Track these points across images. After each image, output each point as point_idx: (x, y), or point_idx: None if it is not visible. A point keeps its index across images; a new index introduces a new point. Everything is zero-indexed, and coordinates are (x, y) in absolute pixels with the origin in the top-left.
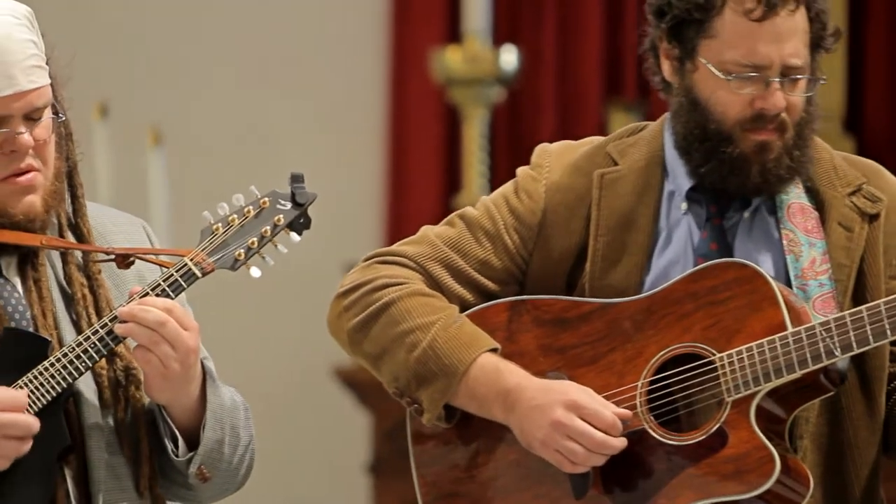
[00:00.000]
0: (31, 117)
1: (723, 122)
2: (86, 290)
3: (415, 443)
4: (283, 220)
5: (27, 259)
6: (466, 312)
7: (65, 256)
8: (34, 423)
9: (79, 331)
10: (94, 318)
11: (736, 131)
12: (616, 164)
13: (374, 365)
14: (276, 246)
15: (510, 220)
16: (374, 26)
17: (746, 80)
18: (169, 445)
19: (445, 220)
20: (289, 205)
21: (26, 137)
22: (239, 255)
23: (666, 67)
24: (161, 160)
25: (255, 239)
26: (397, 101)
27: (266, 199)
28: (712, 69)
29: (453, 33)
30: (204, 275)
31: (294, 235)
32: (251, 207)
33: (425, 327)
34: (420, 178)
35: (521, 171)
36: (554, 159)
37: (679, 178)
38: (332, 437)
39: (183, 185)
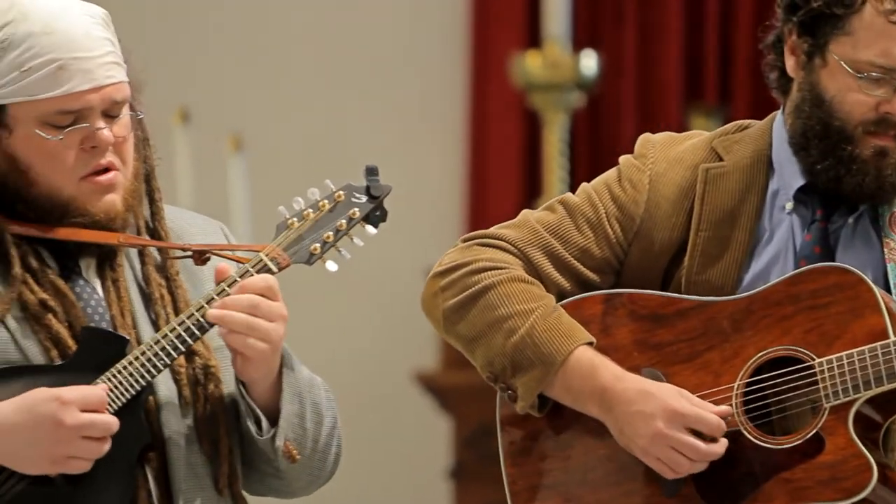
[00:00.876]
0: (110, 114)
1: (846, 121)
2: (164, 291)
3: (504, 432)
4: (358, 214)
5: (106, 260)
6: (562, 302)
7: (143, 257)
8: (114, 423)
9: (157, 331)
10: (172, 317)
11: (857, 132)
12: (721, 159)
13: (467, 347)
14: (352, 239)
15: (612, 210)
16: (455, 31)
17: (877, 81)
18: (252, 427)
19: (546, 204)
20: (364, 198)
21: (106, 133)
22: (314, 248)
23: (791, 62)
24: (241, 166)
25: (330, 233)
26: (477, 106)
27: (341, 192)
28: (844, 66)
29: (533, 38)
30: (280, 269)
31: (370, 228)
32: (326, 201)
33: (524, 314)
34: (500, 183)
35: (624, 159)
36: (658, 150)
37: (788, 177)
38: (413, 442)
39: (263, 191)
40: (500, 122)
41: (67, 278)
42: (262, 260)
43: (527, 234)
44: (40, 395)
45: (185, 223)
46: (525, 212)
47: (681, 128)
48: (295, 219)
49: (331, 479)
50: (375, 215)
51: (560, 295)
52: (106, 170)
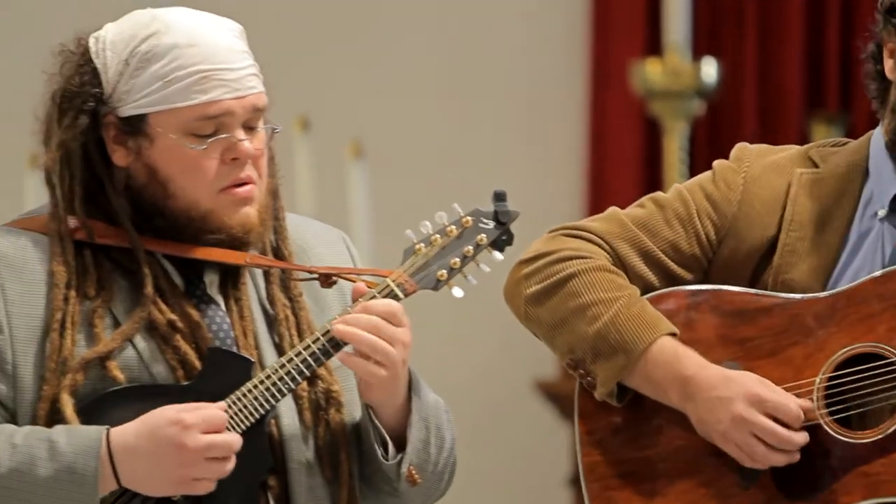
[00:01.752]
0: (249, 125)
1: None
2: (288, 311)
3: (581, 421)
4: (485, 240)
5: (229, 278)
6: (647, 296)
7: (267, 277)
8: (236, 441)
9: (280, 352)
10: (295, 339)
11: None
12: (817, 166)
13: (548, 334)
14: (478, 265)
15: (704, 206)
16: (575, 39)
17: None
18: (379, 450)
19: (637, 202)
20: (491, 223)
21: (247, 145)
22: (441, 275)
23: (889, 65)
24: (362, 173)
25: (457, 259)
26: (597, 113)
27: (468, 217)
28: None
29: (653, 46)
30: (406, 295)
31: (497, 254)
32: (454, 227)
33: (608, 302)
34: (620, 191)
35: (718, 162)
36: (754, 156)
37: (885, 183)
38: (533, 451)
39: (383, 198)
40: (620, 130)
41: (192, 295)
42: (388, 286)
43: (615, 227)
44: (162, 419)
45: (309, 236)
46: (613, 208)
47: (802, 136)
48: (422, 244)
49: (443, 496)
50: (502, 240)
51: (645, 288)
52: (244, 183)
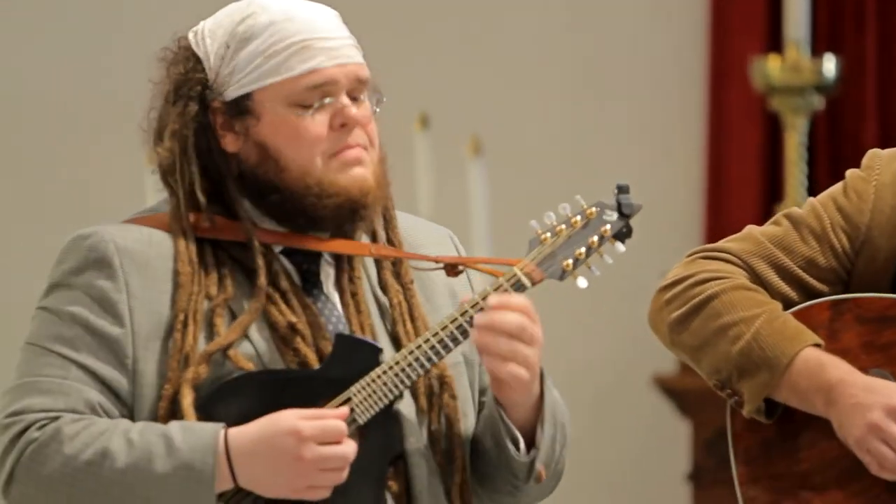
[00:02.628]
0: (353, 95)
1: None
2: (401, 297)
3: (735, 439)
4: (609, 231)
5: (344, 273)
6: (789, 311)
7: (379, 265)
8: (351, 453)
9: (395, 341)
10: (408, 325)
11: None
12: None
13: (693, 357)
14: (601, 256)
15: (837, 220)
16: (695, 36)
17: None
18: (510, 447)
19: (771, 219)
20: (615, 215)
21: (354, 110)
22: (567, 265)
23: None
24: (481, 171)
25: (582, 249)
26: (717, 109)
27: (592, 209)
28: None
29: (774, 42)
30: (533, 284)
31: (619, 245)
32: (578, 217)
33: (749, 320)
34: (740, 188)
35: (850, 172)
36: (885, 163)
37: None
38: (652, 446)
39: (502, 196)
40: (740, 126)
41: (308, 291)
42: (516, 274)
43: (751, 246)
44: (280, 428)
45: (418, 233)
46: (749, 227)
47: None
48: (548, 234)
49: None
50: (624, 232)
51: (786, 305)
52: (354, 146)
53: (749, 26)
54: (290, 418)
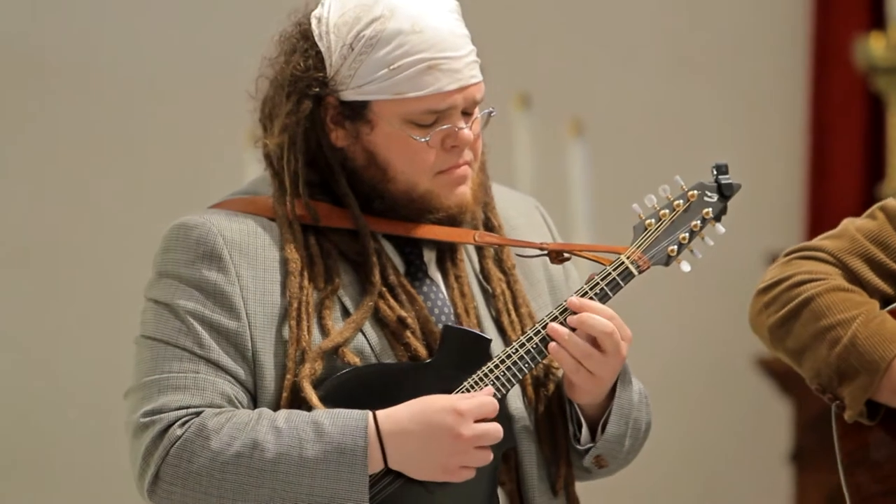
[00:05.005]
0: (467, 112)
1: None
2: (504, 286)
3: (841, 442)
4: (711, 213)
5: (446, 255)
6: (888, 308)
7: (480, 253)
8: (500, 431)
9: (499, 327)
10: (513, 314)
11: None
12: None
13: (795, 361)
14: (703, 239)
15: None
16: (797, 14)
17: None
18: (572, 428)
19: (867, 212)
20: (715, 196)
21: (467, 132)
22: (671, 250)
23: None
24: (582, 151)
25: (685, 234)
26: (819, 88)
27: (693, 191)
28: None
29: (877, 20)
30: (640, 273)
31: (719, 227)
32: (680, 201)
33: (846, 323)
34: (842, 167)
35: None
36: None
37: None
38: (753, 427)
39: (603, 176)
40: (842, 105)
41: (414, 277)
42: (623, 263)
43: (846, 244)
44: (436, 405)
45: (508, 207)
46: (846, 221)
47: None
48: (652, 219)
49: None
50: (721, 212)
51: (884, 301)
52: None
53: (852, 5)
54: (444, 397)
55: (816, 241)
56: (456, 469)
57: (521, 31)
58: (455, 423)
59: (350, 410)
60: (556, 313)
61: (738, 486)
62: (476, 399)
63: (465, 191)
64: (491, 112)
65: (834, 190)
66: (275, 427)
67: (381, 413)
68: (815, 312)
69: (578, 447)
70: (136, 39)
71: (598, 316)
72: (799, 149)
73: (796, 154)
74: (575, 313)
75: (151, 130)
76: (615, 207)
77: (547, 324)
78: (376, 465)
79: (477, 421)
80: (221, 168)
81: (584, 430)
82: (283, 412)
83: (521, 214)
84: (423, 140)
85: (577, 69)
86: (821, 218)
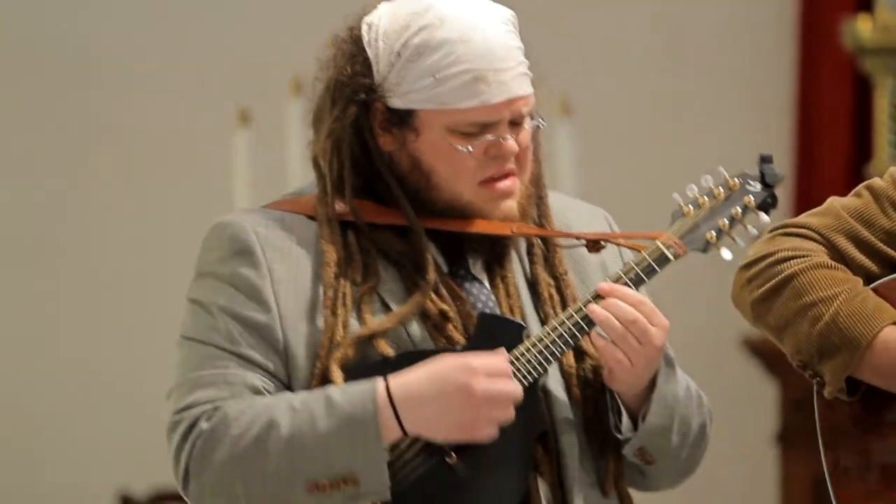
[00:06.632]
0: (515, 122)
1: None
2: (552, 290)
3: (822, 417)
4: (753, 202)
5: (494, 258)
6: (871, 285)
7: (531, 256)
8: (518, 391)
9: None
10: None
11: None
12: None
13: (777, 336)
14: (745, 227)
15: None
16: None
17: None
18: (612, 418)
19: (853, 191)
20: (758, 185)
21: (511, 143)
22: (710, 237)
23: None
24: (570, 132)
25: (725, 220)
26: (807, 70)
27: (735, 179)
28: None
29: (864, 2)
30: (676, 258)
31: (763, 216)
32: (721, 189)
33: (828, 300)
34: (830, 148)
35: None
36: None
37: None
38: (739, 407)
39: (591, 157)
40: (830, 87)
41: (456, 275)
42: (658, 248)
43: (831, 221)
44: (447, 364)
45: (571, 214)
46: (831, 199)
47: None
48: (690, 206)
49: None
50: (767, 202)
51: (868, 278)
52: (505, 175)
53: None
54: (455, 357)
55: (801, 218)
56: (472, 425)
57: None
58: (466, 377)
59: (360, 381)
60: (590, 297)
61: (724, 465)
62: (487, 357)
63: (512, 205)
64: (539, 124)
65: (821, 171)
66: (291, 406)
67: (394, 379)
68: (797, 289)
69: (619, 436)
70: (129, 23)
71: (623, 303)
72: (787, 130)
73: (784, 135)
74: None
75: (141, 115)
76: (603, 189)
77: (580, 307)
78: (393, 433)
79: (492, 378)
80: (211, 152)
81: (625, 418)
82: (302, 393)
83: (585, 224)
84: (466, 150)
85: (566, 50)
86: (808, 199)
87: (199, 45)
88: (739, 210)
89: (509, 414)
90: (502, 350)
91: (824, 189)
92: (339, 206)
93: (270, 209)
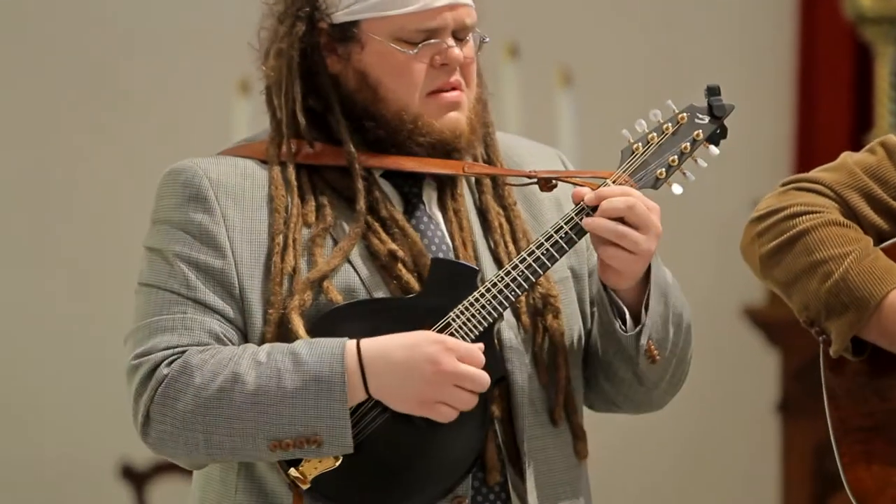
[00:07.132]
0: (458, 37)
1: None
2: (502, 219)
3: (828, 376)
4: (702, 135)
5: (446, 192)
6: (882, 245)
7: (480, 186)
8: (486, 381)
9: (496, 259)
10: (510, 246)
11: None
12: None
13: (784, 292)
14: (695, 161)
15: None
16: None
17: None
18: (616, 322)
19: (867, 147)
20: (707, 118)
21: (456, 51)
22: (660, 173)
23: None
24: (570, 101)
25: (675, 156)
26: (807, 39)
27: (684, 114)
28: None
29: None
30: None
31: (713, 149)
32: (669, 124)
33: (839, 258)
34: (830, 117)
35: None
36: None
37: None
38: (741, 376)
39: (591, 127)
40: (830, 56)
41: (412, 215)
42: (608, 186)
43: (844, 177)
44: (424, 336)
45: (524, 152)
46: (845, 154)
47: None
48: (639, 143)
49: (683, 383)
50: (717, 134)
51: (879, 236)
52: (452, 89)
53: None
54: (434, 333)
55: (814, 173)
56: (432, 403)
57: None
58: (437, 351)
59: (329, 339)
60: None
61: (725, 435)
62: (465, 343)
63: (459, 117)
64: (483, 38)
65: (821, 140)
66: (256, 360)
67: (365, 341)
68: (808, 245)
69: (627, 335)
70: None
71: (615, 197)
72: (787, 99)
73: (784, 104)
74: (590, 215)
75: (141, 84)
76: (603, 158)
77: (533, 251)
78: (358, 394)
79: (463, 362)
80: (211, 122)
81: (629, 319)
82: (268, 345)
83: (537, 160)
84: (411, 53)
85: (566, 19)
86: (809, 167)
87: (199, 14)
88: (688, 144)
89: (471, 401)
90: (479, 345)
91: (825, 158)
92: (293, 144)
93: (226, 154)
